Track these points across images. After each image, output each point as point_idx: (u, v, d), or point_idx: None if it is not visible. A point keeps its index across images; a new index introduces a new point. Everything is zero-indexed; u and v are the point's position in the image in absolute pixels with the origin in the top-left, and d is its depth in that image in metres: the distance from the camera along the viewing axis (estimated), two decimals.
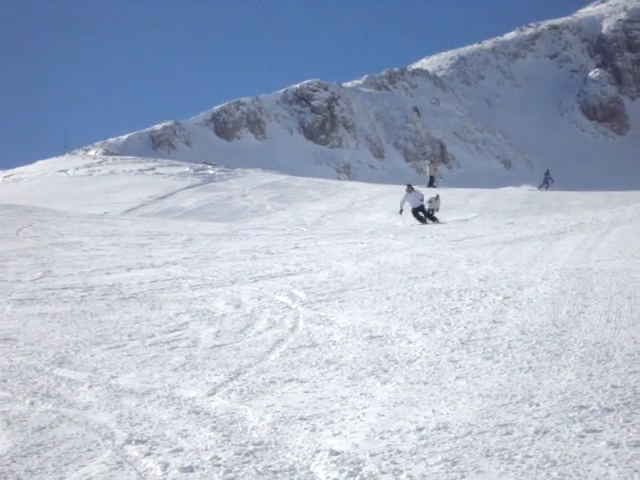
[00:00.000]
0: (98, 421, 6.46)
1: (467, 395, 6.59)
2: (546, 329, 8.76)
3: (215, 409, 6.62)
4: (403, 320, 9.66)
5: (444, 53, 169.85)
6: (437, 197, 33.48)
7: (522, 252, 15.20)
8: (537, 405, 6.19)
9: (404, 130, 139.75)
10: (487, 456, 5.26)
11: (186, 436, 6.02)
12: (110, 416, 6.57)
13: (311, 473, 5.22)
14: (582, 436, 5.50)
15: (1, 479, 5.46)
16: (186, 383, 7.47)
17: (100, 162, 62.32)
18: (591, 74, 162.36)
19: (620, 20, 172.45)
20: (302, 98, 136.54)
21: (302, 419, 6.25)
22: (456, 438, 5.61)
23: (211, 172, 54.06)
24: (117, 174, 53.34)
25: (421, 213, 28.84)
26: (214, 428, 6.15)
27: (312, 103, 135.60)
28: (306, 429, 6.02)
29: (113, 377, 7.78)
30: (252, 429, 6.09)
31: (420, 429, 5.84)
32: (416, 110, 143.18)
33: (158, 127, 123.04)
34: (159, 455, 5.66)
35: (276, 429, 6.05)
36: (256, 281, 13.23)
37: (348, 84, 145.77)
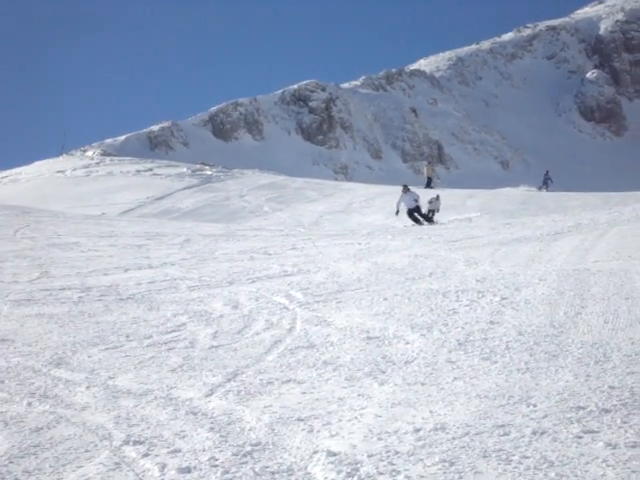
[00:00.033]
0: (96, 422, 6.46)
1: (464, 396, 6.59)
2: (543, 330, 8.76)
3: (213, 410, 6.62)
4: (400, 321, 9.66)
5: (442, 54, 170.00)
6: (437, 197, 33.48)
7: (519, 253, 15.21)
8: (534, 406, 6.20)
9: (402, 131, 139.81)
10: (485, 457, 5.27)
11: (184, 437, 6.02)
12: (108, 417, 6.57)
13: (309, 474, 5.22)
14: (580, 437, 5.51)
15: None
16: (184, 384, 7.46)
17: (97, 163, 62.29)
18: (589, 75, 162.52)
19: (618, 21, 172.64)
20: (300, 99, 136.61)
21: (300, 420, 6.25)
22: (453, 439, 5.61)
23: (209, 173, 54.05)
24: (114, 175, 53.33)
25: (416, 214, 28.80)
26: (212, 429, 6.15)
27: (310, 104, 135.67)
28: (304, 430, 6.02)
29: (111, 378, 7.77)
30: (250, 430, 6.09)
31: (417, 430, 5.84)
32: (414, 111, 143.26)
33: (155, 128, 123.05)
34: (157, 456, 5.66)
35: (274, 430, 6.05)
36: (254, 282, 13.23)
37: (346, 85, 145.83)
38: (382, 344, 8.61)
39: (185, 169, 55.66)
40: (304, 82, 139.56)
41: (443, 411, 6.24)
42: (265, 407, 6.62)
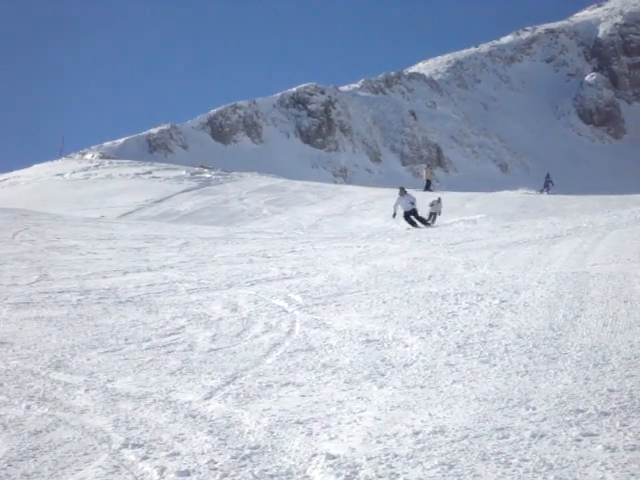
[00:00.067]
0: (94, 425, 6.45)
1: (464, 399, 6.59)
2: (542, 333, 8.76)
3: (211, 413, 6.62)
4: (400, 324, 9.66)
5: (441, 57, 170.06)
6: (439, 200, 33.45)
7: (518, 256, 15.21)
8: (534, 409, 6.20)
9: (401, 134, 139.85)
10: (484, 460, 5.27)
11: (182, 440, 6.01)
12: (106, 420, 6.57)
13: (308, 477, 5.22)
14: (579, 440, 5.51)
15: None
16: (182, 387, 7.46)
17: (96, 166, 62.28)
18: (587, 78, 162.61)
19: (616, 24, 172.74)
20: (299, 102, 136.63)
21: (299, 423, 6.25)
22: (453, 442, 5.61)
23: (208, 176, 54.05)
24: (113, 178, 53.32)
25: (412, 217, 28.69)
26: (210, 432, 6.14)
27: (309, 107, 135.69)
28: (303, 433, 6.02)
29: (109, 381, 7.77)
30: (248, 433, 6.09)
31: (417, 433, 5.84)
32: (413, 114, 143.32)
33: (155, 131, 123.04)
34: (155, 459, 5.66)
35: (272, 433, 6.05)
36: (253, 285, 13.23)
37: (345, 88, 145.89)
38: (381, 347, 8.61)
39: (184, 172, 55.66)
40: (303, 85, 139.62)
41: (442, 414, 6.24)
42: (264, 410, 6.61)
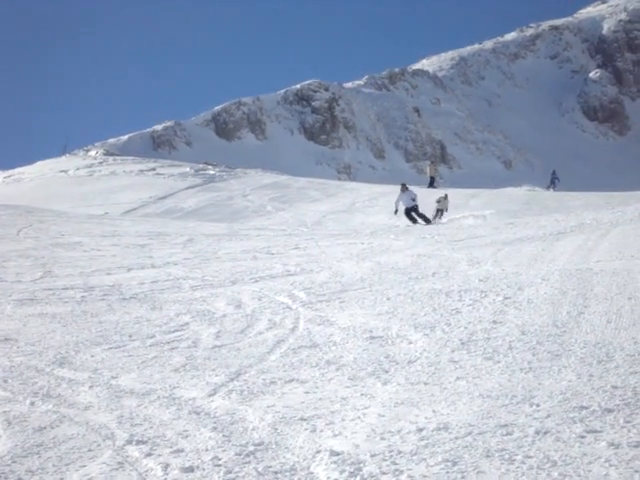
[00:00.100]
0: (99, 421, 6.46)
1: (467, 395, 6.59)
2: (546, 330, 8.76)
3: (215, 409, 6.63)
4: (403, 320, 9.67)
5: (444, 54, 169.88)
6: (445, 197, 33.45)
7: (522, 252, 15.20)
8: (537, 405, 6.20)
9: (405, 130, 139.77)
10: (487, 456, 5.27)
11: (187, 436, 6.02)
12: (111, 416, 6.57)
13: (311, 474, 5.22)
14: (582, 437, 5.51)
15: (2, 479, 5.46)
16: (187, 384, 7.47)
17: (100, 162, 62.40)
18: (592, 75, 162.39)
19: (621, 21, 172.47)
20: (303, 98, 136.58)
21: (302, 419, 6.25)
22: (456, 438, 5.61)
23: (212, 172, 54.12)
24: (117, 174, 53.41)
25: (413, 213, 28.51)
26: (214, 428, 6.15)
27: (313, 103, 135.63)
28: (306, 429, 6.02)
29: (114, 377, 7.78)
30: (252, 429, 6.09)
31: (420, 429, 5.84)
32: (417, 110, 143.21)
33: (159, 127, 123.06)
34: (160, 455, 5.67)
35: (276, 429, 6.06)
36: (257, 281, 13.23)
37: (349, 84, 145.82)
38: (385, 344, 8.61)
39: (188, 169, 55.74)
40: (307, 82, 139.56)
41: (446, 411, 6.24)
42: (268, 407, 6.62)
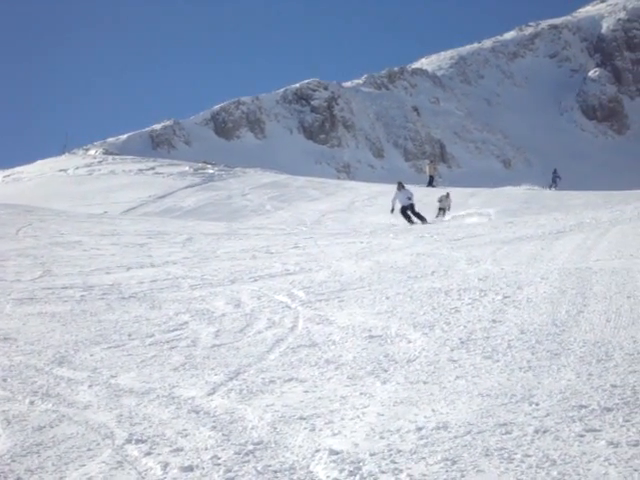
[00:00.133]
0: (98, 420, 6.46)
1: (467, 394, 6.59)
2: (545, 328, 8.76)
3: (215, 408, 6.63)
4: (403, 319, 9.67)
5: (444, 53, 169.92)
6: (447, 195, 33.46)
7: (521, 251, 15.20)
8: (537, 404, 6.20)
9: (404, 129, 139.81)
10: (487, 455, 5.27)
11: (186, 435, 6.02)
12: (110, 415, 6.58)
13: (311, 472, 5.22)
14: (582, 435, 5.51)
15: (1, 478, 5.46)
16: (186, 382, 7.47)
17: (100, 162, 62.38)
18: (591, 74, 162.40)
19: (620, 20, 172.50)
20: (302, 98, 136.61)
21: (302, 418, 6.25)
22: (456, 437, 5.62)
23: (211, 171, 54.11)
24: (117, 174, 53.39)
25: (409, 212, 28.40)
26: (214, 427, 6.15)
27: (312, 103, 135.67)
28: (306, 428, 6.03)
29: (113, 376, 7.78)
30: (252, 428, 6.09)
31: (420, 428, 5.84)
32: (416, 110, 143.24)
33: (158, 127, 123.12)
34: (159, 454, 5.67)
35: (276, 428, 6.06)
36: (256, 280, 13.23)
37: (348, 84, 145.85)
38: (384, 343, 8.61)
39: (187, 168, 55.74)
40: (306, 81, 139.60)
41: (445, 410, 6.24)
42: (267, 406, 6.62)
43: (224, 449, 5.69)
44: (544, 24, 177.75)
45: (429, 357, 7.89)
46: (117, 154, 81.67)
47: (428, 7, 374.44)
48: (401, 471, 5.12)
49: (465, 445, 5.46)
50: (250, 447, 5.69)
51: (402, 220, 28.30)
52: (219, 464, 5.43)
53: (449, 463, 5.18)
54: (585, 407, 6.06)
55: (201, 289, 12.61)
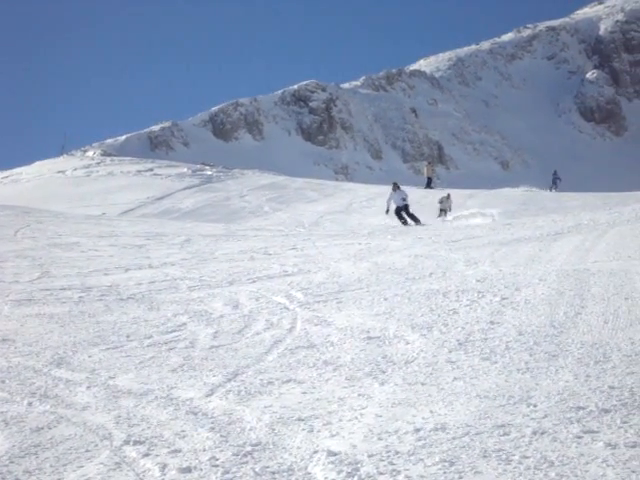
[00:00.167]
0: (96, 422, 6.46)
1: (465, 396, 6.59)
2: (543, 330, 8.77)
3: (213, 410, 6.63)
4: (401, 321, 9.67)
5: (442, 54, 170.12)
6: (448, 196, 33.50)
7: (519, 253, 15.21)
8: (535, 406, 6.20)
9: (402, 131, 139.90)
10: (485, 457, 5.27)
11: (184, 437, 6.02)
12: (108, 417, 6.57)
13: (309, 474, 5.22)
14: (579, 437, 5.51)
15: None
16: (184, 384, 7.47)
17: (98, 163, 62.36)
18: (588, 75, 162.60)
19: (617, 21, 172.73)
20: (300, 99, 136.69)
21: (300, 420, 6.25)
22: (454, 439, 5.62)
23: (209, 173, 54.12)
24: (115, 175, 53.39)
25: (403, 213, 28.38)
26: (212, 429, 6.15)
27: (310, 104, 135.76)
28: (304, 430, 6.03)
29: (111, 378, 7.77)
30: (250, 430, 6.09)
31: (418, 430, 5.85)
32: (414, 111, 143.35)
33: (156, 128, 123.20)
34: (157, 456, 5.67)
35: (274, 430, 6.06)
36: (254, 282, 13.23)
37: (346, 85, 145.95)
38: (382, 344, 8.62)
39: (185, 169, 55.73)
40: (304, 82, 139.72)
41: (443, 411, 6.24)
42: (265, 407, 6.62)
43: (222, 450, 5.69)
44: (542, 26, 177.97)
45: (427, 358, 7.90)
46: (115, 155, 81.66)
47: (426, 9, 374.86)
48: (399, 472, 5.12)
49: (463, 446, 5.46)
50: (248, 448, 5.69)
51: (397, 221, 28.31)
52: (217, 465, 5.43)
53: (447, 464, 5.18)
54: (583, 408, 6.07)
55: (199, 290, 12.60)
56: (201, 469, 5.39)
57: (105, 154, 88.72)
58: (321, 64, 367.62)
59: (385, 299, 11.13)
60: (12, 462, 5.73)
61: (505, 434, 5.63)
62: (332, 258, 15.88)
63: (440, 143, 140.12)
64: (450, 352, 8.08)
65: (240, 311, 10.81)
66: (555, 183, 55.66)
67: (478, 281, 12.11)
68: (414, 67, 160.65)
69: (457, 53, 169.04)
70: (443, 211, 32.30)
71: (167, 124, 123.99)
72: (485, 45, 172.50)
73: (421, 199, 37.50)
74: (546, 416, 5.95)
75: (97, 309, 11.27)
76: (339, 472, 5.18)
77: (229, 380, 7.49)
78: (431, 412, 6.23)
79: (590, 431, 5.60)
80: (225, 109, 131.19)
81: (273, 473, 5.25)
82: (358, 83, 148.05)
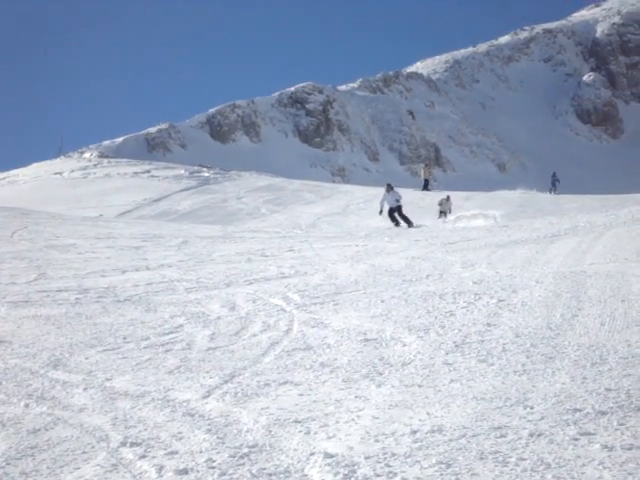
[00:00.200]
0: (93, 423, 6.46)
1: (461, 398, 6.60)
2: (540, 332, 8.77)
3: (210, 412, 6.63)
4: (398, 323, 9.67)
5: (439, 56, 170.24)
6: (448, 198, 33.51)
7: (516, 255, 15.22)
8: (531, 408, 6.21)
9: (399, 133, 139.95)
10: (481, 459, 5.28)
11: (181, 438, 6.02)
12: (105, 418, 6.57)
13: (306, 476, 5.22)
14: (576, 439, 5.52)
15: None
16: (181, 385, 7.47)
17: (95, 165, 62.35)
18: (585, 78, 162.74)
19: (614, 24, 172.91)
20: (297, 101, 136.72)
21: (297, 422, 6.25)
22: (450, 441, 5.62)
23: (206, 175, 54.12)
24: (112, 177, 53.39)
25: (396, 214, 28.34)
26: (209, 430, 6.15)
27: (307, 106, 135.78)
28: (301, 432, 6.03)
29: (108, 379, 7.77)
30: (247, 432, 6.09)
31: (414, 432, 5.85)
32: (411, 113, 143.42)
33: (153, 130, 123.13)
34: (154, 458, 5.67)
35: (270, 432, 6.06)
36: (251, 284, 13.23)
37: (343, 87, 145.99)
38: (379, 346, 8.62)
39: (182, 171, 55.73)
40: (301, 84, 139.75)
41: (440, 413, 6.25)
42: (262, 409, 6.62)
43: (219, 452, 5.69)
44: (539, 28, 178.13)
45: (424, 360, 7.90)
46: (112, 157, 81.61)
47: (423, 11, 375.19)
48: (396, 474, 5.13)
49: (460, 448, 5.47)
50: (245, 450, 5.69)
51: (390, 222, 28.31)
52: (214, 467, 5.43)
53: (444, 466, 5.18)
54: (579, 411, 6.07)
55: (196, 292, 12.60)
56: (198, 471, 5.39)
57: (102, 156, 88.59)
58: (318, 66, 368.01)
59: (382, 301, 11.13)
60: (9, 464, 5.72)
61: (502, 436, 5.64)
62: (329, 260, 15.88)
63: (437, 145, 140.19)
64: (447, 354, 8.09)
65: (237, 313, 10.81)
66: (554, 185, 55.63)
67: (475, 283, 12.12)
68: (411, 69, 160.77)
69: (454, 55, 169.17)
70: (443, 213, 32.30)
71: (164, 126, 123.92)
72: (482, 47, 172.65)
73: (419, 201, 37.57)
74: (543, 418, 5.95)
75: (94, 311, 11.26)
76: (336, 474, 5.18)
77: (226, 382, 7.49)
78: (428, 414, 6.24)
79: (587, 433, 5.61)
80: (222, 111, 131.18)
81: (270, 475, 5.25)
82: (355, 85, 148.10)
